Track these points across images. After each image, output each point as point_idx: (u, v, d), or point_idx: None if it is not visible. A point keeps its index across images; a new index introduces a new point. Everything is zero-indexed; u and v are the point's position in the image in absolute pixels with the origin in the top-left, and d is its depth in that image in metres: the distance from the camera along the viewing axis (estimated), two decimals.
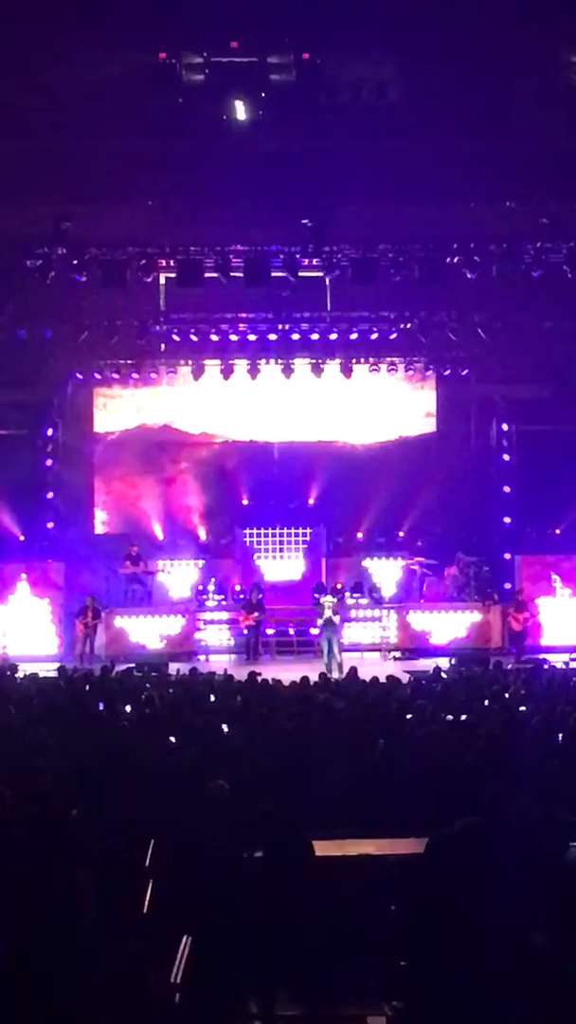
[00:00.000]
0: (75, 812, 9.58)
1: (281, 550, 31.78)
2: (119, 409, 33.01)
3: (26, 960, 7.37)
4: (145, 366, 31.91)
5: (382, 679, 19.14)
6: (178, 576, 31.12)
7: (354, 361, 31.97)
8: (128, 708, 16.21)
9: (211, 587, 30.58)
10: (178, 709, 15.77)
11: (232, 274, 27.10)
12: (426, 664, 24.22)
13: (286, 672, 21.03)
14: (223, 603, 30.15)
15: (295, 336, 31.24)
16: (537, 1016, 7.13)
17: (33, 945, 7.45)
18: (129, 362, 31.76)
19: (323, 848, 10.24)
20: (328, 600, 26.62)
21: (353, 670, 20.47)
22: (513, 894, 7.97)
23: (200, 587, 30.67)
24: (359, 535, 32.37)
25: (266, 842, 9.37)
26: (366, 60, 30.08)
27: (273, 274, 27.34)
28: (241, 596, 29.78)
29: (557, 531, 30.68)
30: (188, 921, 8.64)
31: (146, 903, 8.87)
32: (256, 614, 28.05)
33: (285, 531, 31.83)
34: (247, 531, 31.83)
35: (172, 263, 27.34)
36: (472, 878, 8.37)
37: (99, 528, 32.80)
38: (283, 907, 9.03)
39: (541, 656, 25.66)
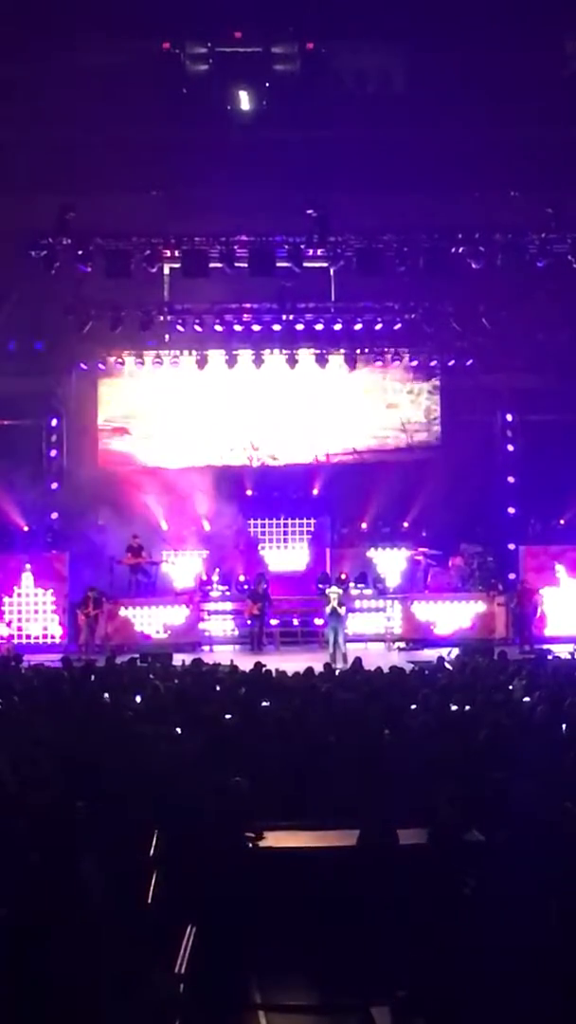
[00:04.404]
0: (80, 804, 9.58)
1: (285, 540, 31.80)
2: (123, 400, 32.98)
3: (31, 951, 7.38)
4: (149, 356, 31.89)
5: (386, 670, 19.13)
6: (182, 566, 31.13)
7: (358, 351, 31.98)
8: (138, 698, 16.24)
9: (215, 577, 30.60)
10: (183, 699, 15.79)
11: (237, 264, 27.06)
12: (430, 654, 24.18)
13: (291, 663, 21.02)
14: (227, 593, 30.17)
15: (299, 327, 31.22)
16: (542, 1005, 7.14)
17: (37, 935, 7.46)
18: (133, 353, 31.75)
19: (328, 838, 10.26)
20: (333, 591, 26.63)
21: (357, 660, 20.47)
22: (518, 884, 7.99)
23: (204, 577, 30.67)
24: (363, 525, 32.34)
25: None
26: (371, 50, 30.12)
27: (278, 264, 27.30)
28: (246, 586, 29.78)
29: (561, 521, 30.65)
30: (192, 911, 8.66)
31: (150, 893, 8.89)
32: (260, 604, 28.07)
33: (289, 521, 31.85)
34: (251, 521, 31.84)
35: (177, 253, 27.30)
36: (478, 868, 8.39)
37: (103, 519, 32.79)
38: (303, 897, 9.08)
39: (545, 646, 25.66)
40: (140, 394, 32.77)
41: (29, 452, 31.37)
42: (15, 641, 27.77)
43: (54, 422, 31.81)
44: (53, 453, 31.80)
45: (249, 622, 28.31)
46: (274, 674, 18.59)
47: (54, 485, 31.51)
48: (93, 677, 19.02)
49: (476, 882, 8.20)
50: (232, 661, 21.81)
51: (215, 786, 10.16)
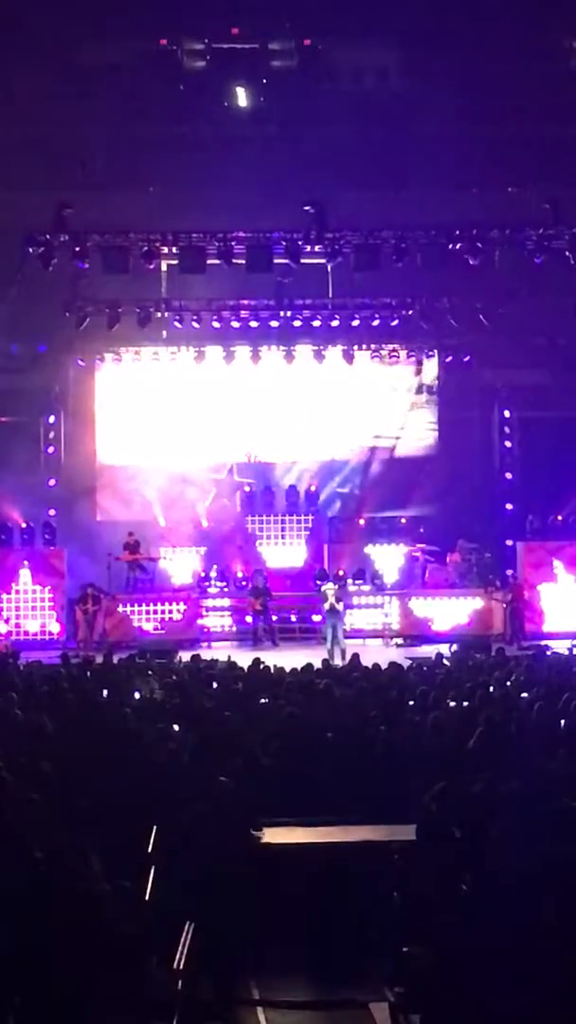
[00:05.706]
0: (80, 801, 9.59)
1: (283, 536, 31.79)
2: (120, 396, 32.94)
3: (30, 946, 7.40)
4: (147, 353, 31.90)
5: (384, 666, 19.14)
6: (180, 563, 31.10)
7: (356, 348, 31.94)
8: (136, 695, 16.26)
9: (213, 574, 30.55)
10: (181, 695, 15.80)
11: (234, 260, 26.98)
12: (428, 651, 24.22)
13: (288, 659, 21.02)
14: (225, 590, 30.14)
15: (297, 323, 31.19)
16: (538, 1002, 7.15)
17: (36, 930, 7.47)
18: (131, 349, 31.75)
19: (325, 834, 10.29)
20: (330, 587, 26.60)
21: (355, 657, 20.46)
22: (515, 879, 8.00)
23: (202, 574, 30.65)
24: (361, 521, 32.31)
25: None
26: (367, 46, 30.15)
27: (275, 261, 27.24)
28: (244, 583, 29.78)
29: (559, 517, 30.62)
30: (190, 908, 8.68)
31: (148, 890, 8.89)
32: (262, 599, 28.06)
33: (287, 517, 31.83)
34: (249, 517, 31.82)
35: (174, 250, 27.24)
36: (474, 863, 8.40)
37: (101, 515, 32.76)
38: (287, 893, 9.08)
39: (543, 643, 25.66)
40: (138, 390, 32.71)
41: (27, 449, 31.33)
42: (13, 638, 27.74)
43: (52, 419, 31.78)
44: (51, 450, 31.79)
45: (249, 619, 28.30)
46: (272, 670, 18.61)
47: (52, 481, 31.49)
48: (91, 674, 19.02)
49: (472, 879, 8.21)
50: (229, 657, 21.83)
51: (207, 784, 10.18)
